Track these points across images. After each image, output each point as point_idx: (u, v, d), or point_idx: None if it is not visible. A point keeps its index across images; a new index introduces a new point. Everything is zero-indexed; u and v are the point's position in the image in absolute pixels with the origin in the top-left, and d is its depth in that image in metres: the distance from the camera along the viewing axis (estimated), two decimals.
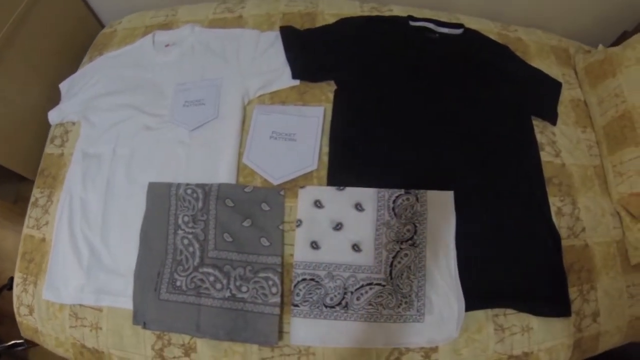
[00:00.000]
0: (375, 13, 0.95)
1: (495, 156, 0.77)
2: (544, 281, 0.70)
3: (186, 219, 0.70)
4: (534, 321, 0.67)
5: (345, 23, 0.89)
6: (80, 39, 1.03)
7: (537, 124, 0.88)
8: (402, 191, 0.69)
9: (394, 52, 0.86)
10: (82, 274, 0.69)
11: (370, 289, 0.63)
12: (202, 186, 0.72)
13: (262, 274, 0.65)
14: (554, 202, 0.80)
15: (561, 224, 0.78)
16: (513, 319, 0.67)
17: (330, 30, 0.88)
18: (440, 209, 0.69)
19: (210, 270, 0.65)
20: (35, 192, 0.83)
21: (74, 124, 0.87)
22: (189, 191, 0.71)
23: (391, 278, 0.64)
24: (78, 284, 0.68)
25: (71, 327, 0.69)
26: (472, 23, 0.97)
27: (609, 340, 0.76)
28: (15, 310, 0.75)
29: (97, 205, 0.73)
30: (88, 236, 0.71)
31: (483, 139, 0.79)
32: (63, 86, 0.92)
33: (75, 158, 0.80)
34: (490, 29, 1.00)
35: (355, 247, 0.66)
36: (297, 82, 0.81)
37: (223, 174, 0.72)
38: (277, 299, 0.63)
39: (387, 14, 0.96)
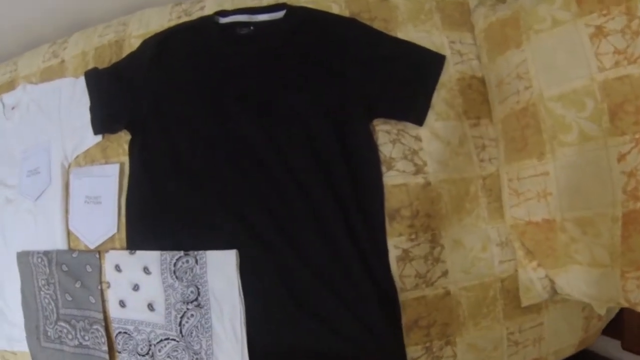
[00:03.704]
0: (183, 18, 0.73)
1: (300, 198, 0.58)
2: (363, 344, 0.56)
3: (42, 282, 0.81)
4: None
5: (142, 48, 0.71)
6: None
7: (389, 130, 0.61)
8: (182, 253, 0.62)
9: (195, 69, 0.66)
10: None
11: (168, 343, 0.64)
12: (46, 254, 0.78)
13: (95, 326, 0.74)
14: (398, 243, 0.58)
15: (405, 272, 0.58)
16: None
17: (127, 62, 0.72)
18: (222, 270, 0.60)
19: (63, 324, 0.77)
20: None
21: None
22: (38, 260, 0.80)
23: (182, 335, 0.62)
24: None
25: None
26: None
27: None
28: None
29: None
30: None
31: (282, 169, 0.59)
32: None
33: None
34: None
35: (150, 307, 0.65)
36: (99, 138, 0.72)
37: (59, 239, 0.75)
38: (105, 347, 0.70)
39: (197, 14, 0.72)
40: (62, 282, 0.76)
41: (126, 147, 0.71)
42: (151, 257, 0.65)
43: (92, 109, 0.73)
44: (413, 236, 0.59)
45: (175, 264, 0.63)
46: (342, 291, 0.57)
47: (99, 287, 0.72)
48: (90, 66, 0.78)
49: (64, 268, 0.75)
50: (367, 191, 0.60)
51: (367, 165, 0.60)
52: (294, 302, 0.58)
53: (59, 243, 0.76)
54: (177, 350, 0.64)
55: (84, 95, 0.76)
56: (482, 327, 0.60)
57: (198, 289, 0.62)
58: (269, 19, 0.67)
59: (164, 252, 0.64)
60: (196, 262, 0.62)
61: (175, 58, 0.68)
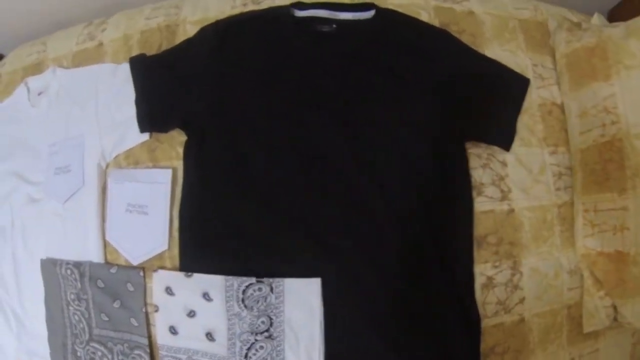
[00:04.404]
0: (250, 7, 0.63)
1: (389, 221, 0.53)
2: None
3: (72, 296, 0.70)
4: None
5: (201, 36, 0.60)
6: None
7: (480, 154, 0.57)
8: (254, 280, 0.54)
9: (266, 67, 0.56)
10: (14, 339, 0.73)
11: None
12: (77, 265, 0.68)
13: (136, 351, 0.64)
14: (484, 270, 0.56)
15: (488, 299, 0.56)
16: None
17: (182, 51, 0.61)
18: (303, 299, 0.53)
19: (97, 345, 0.67)
20: None
21: None
22: (68, 271, 0.70)
23: None
24: (13, 348, 0.73)
25: None
26: None
27: None
28: None
29: (10, 277, 0.73)
30: (10, 305, 0.73)
31: (369, 189, 0.53)
32: None
33: None
34: (422, 4, 0.62)
35: (209, 336, 0.56)
36: (145, 137, 0.61)
37: (92, 250, 0.65)
38: None
39: (266, 3, 0.62)
40: (97, 299, 0.66)
41: (180, 150, 0.61)
42: (213, 282, 0.56)
43: (139, 103, 0.62)
44: (497, 263, 0.58)
45: (244, 292, 0.55)
46: (426, 320, 0.54)
47: (144, 310, 0.62)
48: (135, 52, 0.67)
49: (100, 284, 0.65)
50: (459, 217, 0.56)
51: (461, 190, 0.57)
52: (376, 333, 0.53)
53: (93, 254, 0.66)
54: None
55: (127, 85, 0.65)
56: (549, 353, 0.60)
57: (271, 319, 0.55)
58: (354, 18, 0.59)
59: (229, 277, 0.55)
60: (271, 290, 0.54)
61: (241, 51, 0.58)
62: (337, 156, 0.54)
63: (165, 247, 0.60)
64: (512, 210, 0.58)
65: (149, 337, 0.62)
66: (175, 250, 0.60)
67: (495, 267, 0.57)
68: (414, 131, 0.55)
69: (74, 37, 0.75)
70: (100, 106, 0.68)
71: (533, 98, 0.61)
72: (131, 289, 0.63)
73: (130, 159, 0.65)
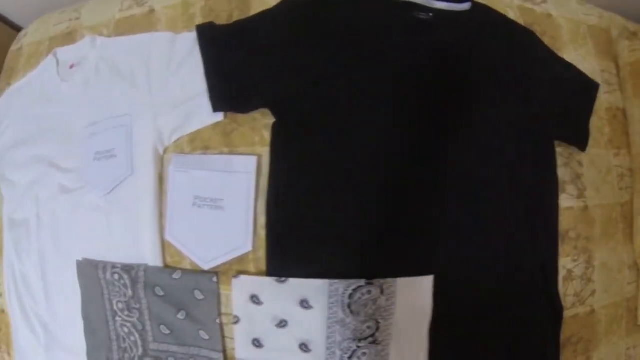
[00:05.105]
0: None
1: (494, 218, 0.52)
2: None
3: (120, 305, 0.59)
4: None
5: (282, 9, 0.53)
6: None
7: (561, 152, 0.59)
8: (363, 282, 0.48)
9: (362, 50, 0.51)
10: (42, 352, 0.61)
11: None
12: (128, 270, 0.58)
13: None
14: (565, 263, 0.58)
15: (568, 291, 0.58)
16: None
17: (262, 23, 0.53)
18: (413, 300, 0.49)
19: None
20: None
21: None
22: (115, 276, 0.59)
23: None
24: None
25: None
26: None
27: None
28: None
29: (36, 280, 0.60)
30: (37, 312, 0.60)
31: (480, 187, 0.52)
32: None
33: (4, 225, 0.64)
34: (508, 2, 0.61)
35: (304, 347, 0.50)
36: (219, 117, 0.52)
37: (147, 251, 0.54)
38: None
39: None
40: (154, 309, 0.55)
41: (266, 134, 0.52)
42: (313, 288, 0.49)
43: (211, 78, 0.52)
44: (576, 257, 0.60)
45: (350, 296, 0.48)
46: (521, 312, 0.55)
47: (217, 321, 0.53)
48: (197, 21, 0.57)
49: (159, 292, 0.55)
50: (549, 213, 0.58)
51: (551, 187, 0.58)
52: (480, 327, 0.52)
53: (147, 256, 0.55)
54: None
55: (191, 58, 0.55)
56: (612, 343, 0.64)
57: (378, 323, 0.50)
58: (448, 9, 0.56)
59: (334, 281, 0.48)
60: (381, 292, 0.48)
61: (329, 29, 0.52)
62: (441, 152, 0.52)
63: (249, 248, 0.51)
64: (586, 208, 0.61)
65: (224, 351, 0.53)
66: (261, 252, 0.51)
67: (574, 260, 0.60)
68: (512, 130, 0.55)
69: (117, 3, 0.63)
70: (153, 81, 0.57)
71: (602, 101, 0.64)
72: (200, 297, 0.54)
73: (197, 143, 0.55)
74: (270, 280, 0.50)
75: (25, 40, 0.72)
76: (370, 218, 0.49)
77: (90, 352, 0.58)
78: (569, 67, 0.62)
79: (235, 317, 0.52)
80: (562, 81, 0.60)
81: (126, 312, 0.56)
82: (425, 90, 0.52)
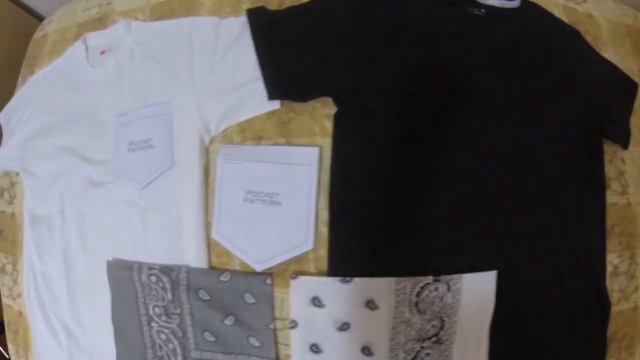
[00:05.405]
0: None
1: (551, 215, 0.52)
2: None
3: (157, 310, 0.54)
4: None
5: None
6: (19, 47, 0.68)
7: (607, 149, 0.60)
8: (431, 279, 0.46)
9: (416, 42, 0.50)
10: (64, 358, 0.55)
11: None
12: (167, 272, 0.53)
13: None
14: (611, 259, 0.58)
15: (614, 287, 0.58)
16: None
17: (321, 9, 0.50)
18: (477, 296, 0.48)
19: None
20: (0, 257, 0.65)
21: (18, 174, 0.61)
22: (152, 278, 0.53)
23: None
24: None
25: None
26: None
27: None
28: None
29: (59, 281, 0.55)
30: (59, 315, 0.55)
31: (534, 178, 0.52)
32: (2, 119, 0.63)
33: (25, 222, 0.58)
34: (553, 0, 0.61)
35: (366, 351, 0.47)
36: (275, 105, 0.49)
37: (189, 251, 0.49)
38: None
39: None
40: (197, 315, 0.50)
41: (328, 124, 0.49)
42: (381, 287, 0.47)
43: (266, 65, 0.49)
44: (621, 253, 0.60)
45: (419, 294, 0.46)
46: (570, 310, 0.54)
47: (271, 326, 0.49)
48: (244, 6, 0.53)
49: (203, 295, 0.50)
50: (597, 209, 0.58)
51: (600, 183, 0.59)
52: (536, 326, 0.52)
53: (190, 257, 0.50)
54: None
55: (239, 43, 0.51)
56: None
57: (443, 321, 0.48)
58: (500, 5, 0.56)
59: (402, 279, 0.46)
60: (448, 289, 0.47)
61: (384, 19, 0.51)
62: (505, 148, 0.51)
63: (310, 246, 0.48)
64: (629, 204, 0.62)
65: (277, 358, 0.50)
66: (322, 251, 0.48)
67: (620, 256, 0.60)
68: (566, 127, 0.55)
69: None
70: (196, 67, 0.52)
71: (639, 101, 0.65)
72: (251, 301, 0.50)
73: (248, 133, 0.50)
74: (333, 281, 0.47)
75: (50, 27, 0.66)
76: (436, 213, 0.48)
77: (121, 358, 0.52)
78: (612, 66, 0.63)
79: (293, 321, 0.48)
80: (606, 80, 0.61)
81: (164, 318, 0.51)
82: (476, 84, 0.52)
